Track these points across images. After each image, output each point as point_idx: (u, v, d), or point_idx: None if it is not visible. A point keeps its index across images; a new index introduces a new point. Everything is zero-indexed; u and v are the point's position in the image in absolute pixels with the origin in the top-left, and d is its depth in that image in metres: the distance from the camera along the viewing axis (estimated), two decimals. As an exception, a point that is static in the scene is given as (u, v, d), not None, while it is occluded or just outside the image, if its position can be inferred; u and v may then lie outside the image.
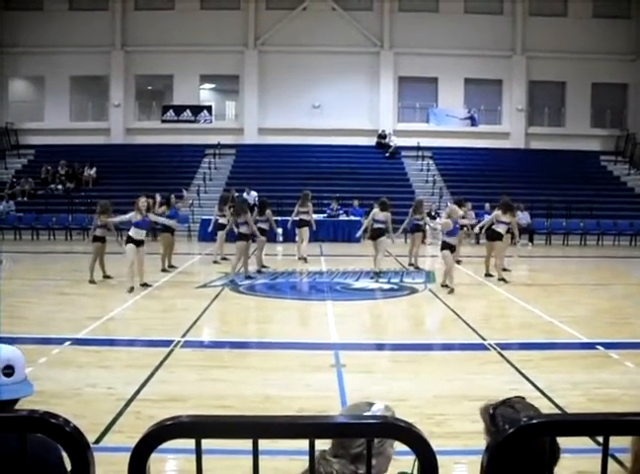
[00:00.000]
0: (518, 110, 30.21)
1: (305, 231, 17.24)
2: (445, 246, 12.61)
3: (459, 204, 14.97)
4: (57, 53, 29.15)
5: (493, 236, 14.28)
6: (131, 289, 11.99)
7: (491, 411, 2.22)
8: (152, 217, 12.95)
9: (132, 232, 12.28)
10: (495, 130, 30.36)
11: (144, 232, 12.48)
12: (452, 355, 8.31)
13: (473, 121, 30.56)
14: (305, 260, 16.83)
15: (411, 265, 16.13)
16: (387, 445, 2.23)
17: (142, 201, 12.45)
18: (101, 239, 13.36)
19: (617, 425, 1.36)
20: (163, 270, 14.86)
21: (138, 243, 12.23)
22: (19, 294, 11.43)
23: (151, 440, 1.31)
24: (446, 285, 12.58)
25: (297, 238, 17.83)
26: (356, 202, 23.97)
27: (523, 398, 2.26)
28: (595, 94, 30.36)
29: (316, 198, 24.47)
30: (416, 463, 1.34)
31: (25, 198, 25.99)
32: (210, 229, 17.03)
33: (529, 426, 1.32)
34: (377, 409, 2.33)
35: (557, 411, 5.46)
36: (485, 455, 1.34)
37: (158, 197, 15.48)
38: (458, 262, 15.29)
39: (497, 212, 14.41)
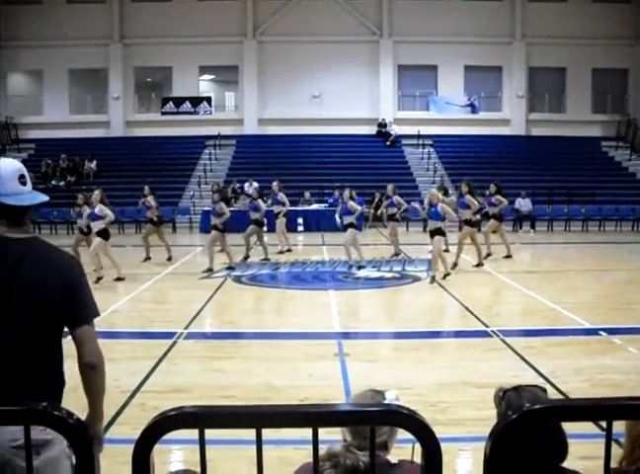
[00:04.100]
0: (518, 96, 30.11)
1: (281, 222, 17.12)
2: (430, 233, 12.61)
3: (445, 192, 15.04)
4: (56, 47, 29.06)
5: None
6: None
7: (501, 394, 2.23)
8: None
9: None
10: (495, 117, 30.28)
11: (97, 223, 12.34)
12: (455, 343, 8.32)
13: (473, 109, 30.47)
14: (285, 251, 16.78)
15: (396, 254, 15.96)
16: (397, 428, 2.24)
17: (96, 194, 12.59)
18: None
19: (621, 409, 1.36)
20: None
21: (97, 234, 12.34)
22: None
23: (155, 431, 1.31)
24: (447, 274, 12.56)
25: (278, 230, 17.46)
26: (353, 193, 23.80)
27: (545, 390, 2.26)
28: (595, 79, 30.24)
29: (317, 188, 24.55)
30: (414, 450, 1.34)
31: (26, 193, 25.96)
32: None
33: (533, 411, 1.32)
34: (391, 397, 2.33)
35: (560, 397, 5.47)
36: (489, 442, 1.34)
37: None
38: (446, 250, 15.29)
39: None
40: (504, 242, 15.42)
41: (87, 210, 12.89)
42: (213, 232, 13.85)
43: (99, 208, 12.33)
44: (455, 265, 13.61)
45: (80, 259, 13.00)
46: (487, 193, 15.90)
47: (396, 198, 15.81)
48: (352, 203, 14.17)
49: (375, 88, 30.18)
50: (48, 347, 2.57)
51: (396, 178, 24.96)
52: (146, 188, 15.71)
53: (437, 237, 12.35)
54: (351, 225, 14.07)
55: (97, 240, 12.35)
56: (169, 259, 15.17)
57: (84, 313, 2.61)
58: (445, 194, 15.21)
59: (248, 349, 7.91)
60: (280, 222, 16.99)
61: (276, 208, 16.90)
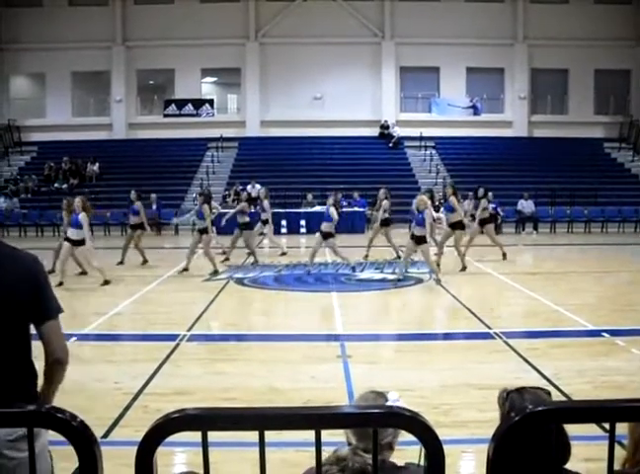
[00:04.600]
0: (520, 98, 30.11)
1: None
2: (412, 237, 12.34)
3: (431, 196, 14.92)
4: (58, 49, 29.13)
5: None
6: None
7: (504, 395, 2.23)
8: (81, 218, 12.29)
9: (69, 233, 12.33)
10: (498, 119, 30.27)
11: (81, 232, 12.16)
12: (458, 345, 8.30)
13: (476, 110, 30.46)
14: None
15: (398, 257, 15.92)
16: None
17: (77, 201, 12.34)
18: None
19: (623, 411, 1.36)
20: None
21: (75, 242, 12.19)
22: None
23: (158, 434, 1.32)
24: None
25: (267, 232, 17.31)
26: (356, 194, 23.89)
27: (549, 393, 2.25)
28: (597, 80, 30.22)
29: (320, 190, 24.56)
30: (422, 453, 1.34)
31: (29, 195, 26.03)
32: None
33: (536, 413, 1.32)
34: (393, 399, 2.34)
35: (563, 399, 5.46)
36: (491, 443, 1.34)
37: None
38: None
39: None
40: (466, 247, 15.21)
41: (67, 217, 12.63)
42: (203, 236, 13.59)
43: (82, 216, 12.09)
44: (465, 268, 13.75)
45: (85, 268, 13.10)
46: (478, 195, 15.78)
47: (385, 203, 15.66)
48: (332, 210, 13.68)
49: (377, 90, 30.19)
50: (21, 345, 2.64)
51: (398, 180, 25.04)
52: (133, 193, 15.50)
53: (424, 245, 12.18)
54: (330, 235, 13.63)
55: (67, 246, 12.25)
56: (121, 263, 14.91)
57: (50, 310, 2.71)
58: (432, 197, 15.14)
59: (250, 351, 7.91)
60: (268, 229, 16.95)
61: (263, 215, 16.72)
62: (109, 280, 12.24)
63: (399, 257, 15.82)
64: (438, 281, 12.20)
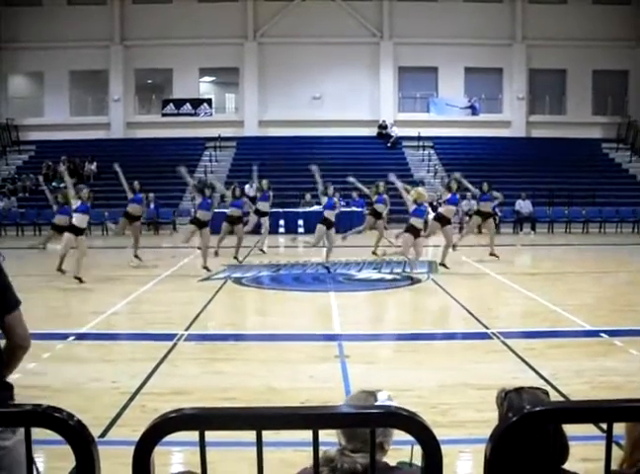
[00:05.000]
0: (518, 98, 30.13)
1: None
2: (409, 229, 12.60)
3: None
4: (56, 48, 29.13)
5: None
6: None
7: (503, 395, 2.23)
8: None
9: (75, 220, 12.43)
10: (496, 119, 30.30)
11: (85, 219, 12.55)
12: (456, 345, 8.30)
13: (474, 111, 30.49)
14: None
15: (374, 253, 15.78)
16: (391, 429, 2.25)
17: (84, 192, 12.68)
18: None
19: (621, 411, 1.36)
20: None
21: (78, 231, 12.35)
22: (22, 290, 11.27)
23: (155, 433, 1.31)
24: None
25: (265, 229, 17.35)
26: (354, 194, 23.86)
27: (547, 393, 2.26)
28: (596, 81, 30.26)
29: (317, 190, 24.54)
30: (413, 452, 1.34)
31: (26, 194, 26.00)
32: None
33: (533, 413, 1.32)
34: (383, 398, 2.34)
35: (561, 399, 5.46)
36: (489, 444, 1.34)
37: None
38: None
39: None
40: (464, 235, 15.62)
41: (77, 203, 12.61)
42: (203, 230, 13.77)
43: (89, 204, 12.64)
44: (454, 246, 14.13)
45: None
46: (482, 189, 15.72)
47: (385, 197, 15.75)
48: (336, 200, 14.51)
49: (376, 90, 30.21)
50: None
51: (396, 179, 24.92)
52: (136, 183, 15.29)
53: (420, 239, 12.67)
54: (333, 223, 14.33)
55: (69, 237, 12.34)
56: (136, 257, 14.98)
57: (12, 300, 2.82)
58: None
59: (248, 350, 7.90)
60: (266, 222, 17.05)
61: (261, 205, 16.75)
62: (81, 279, 12.15)
63: (374, 253, 15.75)
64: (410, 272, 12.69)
